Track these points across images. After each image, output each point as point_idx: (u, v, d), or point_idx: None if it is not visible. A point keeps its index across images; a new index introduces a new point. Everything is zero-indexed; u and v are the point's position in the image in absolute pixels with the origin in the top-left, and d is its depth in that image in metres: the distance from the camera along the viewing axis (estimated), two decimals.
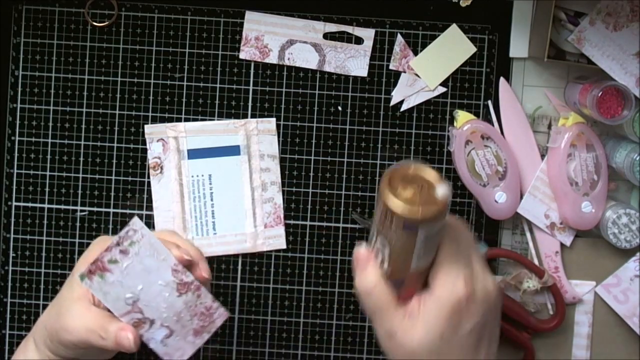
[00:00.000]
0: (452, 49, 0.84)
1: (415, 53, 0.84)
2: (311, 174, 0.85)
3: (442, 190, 0.58)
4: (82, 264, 0.69)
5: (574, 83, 0.83)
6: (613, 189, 0.84)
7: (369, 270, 0.62)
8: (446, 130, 0.85)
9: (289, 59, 0.84)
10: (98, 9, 0.84)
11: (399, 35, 0.84)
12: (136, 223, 0.68)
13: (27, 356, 0.71)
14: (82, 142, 0.85)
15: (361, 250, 0.63)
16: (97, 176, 0.85)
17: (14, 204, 0.85)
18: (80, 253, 0.85)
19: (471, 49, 0.84)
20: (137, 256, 0.68)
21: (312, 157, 0.85)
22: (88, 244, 0.84)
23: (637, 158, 0.79)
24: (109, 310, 0.68)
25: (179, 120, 0.85)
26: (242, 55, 0.84)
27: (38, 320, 0.72)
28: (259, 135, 0.85)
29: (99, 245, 0.70)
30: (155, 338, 0.69)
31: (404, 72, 0.84)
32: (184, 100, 0.85)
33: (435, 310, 0.59)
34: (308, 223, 0.85)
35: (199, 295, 0.69)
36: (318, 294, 0.86)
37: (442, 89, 0.85)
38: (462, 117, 0.82)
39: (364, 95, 0.85)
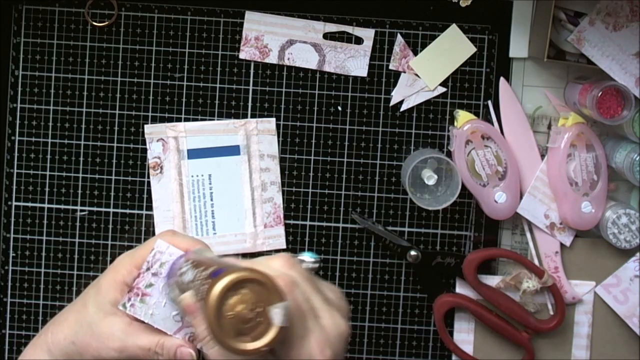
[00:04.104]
0: (452, 49, 0.84)
1: (415, 53, 0.84)
2: (311, 174, 0.85)
3: (278, 316, 0.54)
4: (110, 282, 0.70)
5: (574, 83, 0.83)
6: (613, 189, 0.84)
7: (197, 321, 0.60)
8: (446, 130, 0.85)
9: (288, 59, 0.84)
10: (98, 9, 0.84)
11: (398, 35, 0.84)
12: (160, 245, 0.69)
13: None
14: (82, 142, 0.85)
15: (188, 301, 0.62)
16: (97, 176, 0.85)
17: (14, 204, 0.85)
18: (80, 253, 0.85)
19: (471, 49, 0.84)
20: None
21: (312, 157, 0.85)
22: (88, 244, 0.85)
23: (637, 158, 0.79)
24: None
25: (178, 120, 0.85)
26: (242, 55, 0.84)
27: (54, 330, 0.72)
28: (259, 135, 0.85)
29: (124, 262, 0.70)
30: None
31: (404, 72, 0.84)
32: (184, 100, 0.85)
33: None
34: (308, 223, 0.85)
35: None
36: None
37: (442, 89, 0.85)
38: (463, 117, 0.82)
39: (364, 95, 0.85)
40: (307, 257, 0.66)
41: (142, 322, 0.69)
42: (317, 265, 0.66)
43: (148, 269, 0.69)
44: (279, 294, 0.55)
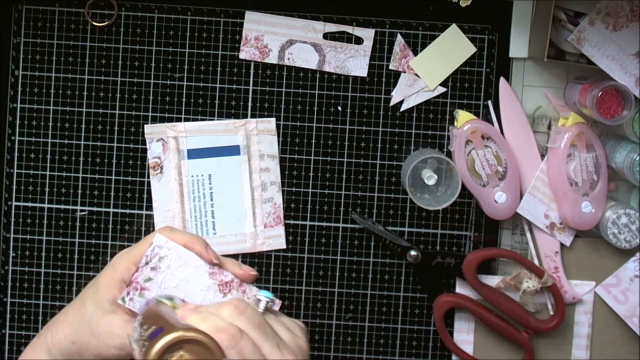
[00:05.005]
0: (452, 49, 0.84)
1: (415, 53, 0.84)
2: (311, 174, 0.85)
3: None
4: (108, 280, 0.70)
5: (574, 83, 0.83)
6: (613, 189, 0.84)
7: None
8: (446, 130, 0.85)
9: (288, 59, 0.84)
10: (98, 9, 0.84)
11: (398, 35, 0.84)
12: (159, 239, 0.69)
13: None
14: (82, 142, 0.85)
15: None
16: (97, 176, 0.85)
17: (14, 204, 0.85)
18: (80, 253, 0.85)
19: (471, 49, 0.84)
20: (170, 269, 0.69)
21: (312, 157, 0.85)
22: (88, 244, 0.85)
23: (637, 158, 0.79)
24: None
25: (178, 120, 0.85)
26: (242, 55, 0.84)
27: (53, 330, 0.72)
28: (259, 135, 0.85)
29: (122, 259, 0.71)
30: None
31: (404, 72, 0.84)
32: (184, 100, 0.85)
33: None
34: (308, 223, 0.85)
35: (243, 290, 0.69)
36: (318, 293, 0.86)
37: (442, 89, 0.85)
38: (463, 117, 0.82)
39: (364, 95, 0.85)
40: (263, 297, 0.66)
41: None
42: (271, 303, 0.66)
43: (147, 263, 0.69)
44: (218, 351, 0.56)
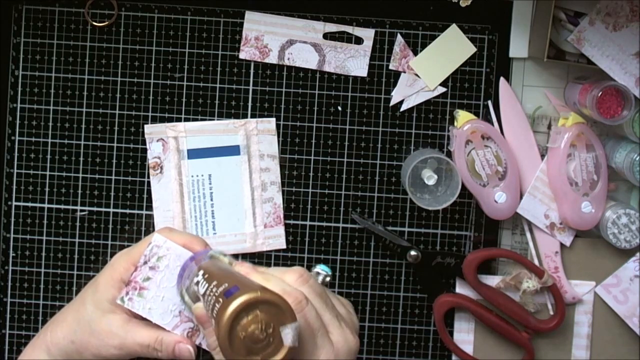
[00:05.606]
0: (452, 49, 0.84)
1: (415, 53, 0.84)
2: (311, 174, 0.85)
3: (289, 337, 0.55)
4: (107, 280, 0.70)
5: (574, 83, 0.83)
6: (613, 189, 0.84)
7: (209, 331, 0.62)
8: (446, 130, 0.85)
9: (288, 59, 0.84)
10: (98, 9, 0.84)
11: (398, 35, 0.84)
12: (157, 239, 0.69)
13: None
14: (82, 142, 0.85)
15: (201, 312, 0.63)
16: (97, 176, 0.85)
17: (14, 204, 0.85)
18: (80, 253, 0.85)
19: (471, 49, 0.84)
20: (169, 269, 0.69)
21: (312, 157, 0.85)
22: (88, 244, 0.85)
23: (637, 158, 0.79)
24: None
25: (178, 120, 0.85)
26: (242, 55, 0.84)
27: (53, 330, 0.72)
28: (259, 135, 0.85)
29: (121, 259, 0.71)
30: None
31: (404, 72, 0.84)
32: (183, 100, 0.85)
33: None
34: (308, 223, 0.85)
35: None
36: None
37: (442, 89, 0.85)
38: (463, 117, 0.82)
39: (364, 95, 0.85)
40: (321, 270, 0.66)
41: (141, 317, 0.69)
42: (329, 278, 0.67)
43: (145, 262, 0.69)
44: (290, 314, 0.56)
